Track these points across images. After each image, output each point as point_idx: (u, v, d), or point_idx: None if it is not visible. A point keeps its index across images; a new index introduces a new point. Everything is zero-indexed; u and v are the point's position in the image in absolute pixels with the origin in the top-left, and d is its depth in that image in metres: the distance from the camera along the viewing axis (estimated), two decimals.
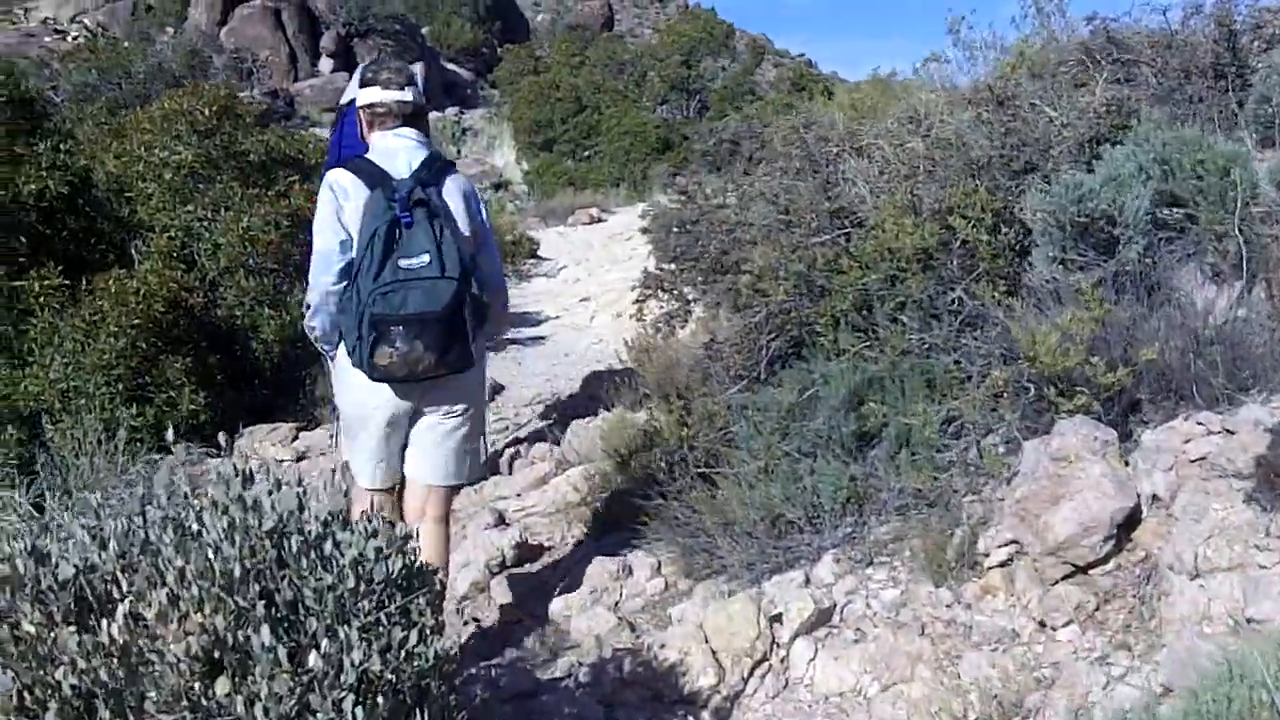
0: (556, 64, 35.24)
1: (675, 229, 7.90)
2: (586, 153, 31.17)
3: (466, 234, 4.57)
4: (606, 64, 33.55)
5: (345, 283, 4.46)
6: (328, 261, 4.50)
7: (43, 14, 44.54)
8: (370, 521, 2.99)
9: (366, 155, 4.65)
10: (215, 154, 10.05)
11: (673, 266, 7.90)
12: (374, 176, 4.47)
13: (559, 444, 7.99)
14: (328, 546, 2.78)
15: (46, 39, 40.43)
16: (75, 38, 40.10)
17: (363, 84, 4.78)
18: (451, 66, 50.75)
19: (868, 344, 5.42)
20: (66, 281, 8.74)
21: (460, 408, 4.73)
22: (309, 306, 4.65)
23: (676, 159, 29.79)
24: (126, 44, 38.78)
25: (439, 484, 4.81)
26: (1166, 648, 3.56)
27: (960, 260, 5.29)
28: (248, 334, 9.64)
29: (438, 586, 3.12)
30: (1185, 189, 5.03)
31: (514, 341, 12.01)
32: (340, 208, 4.50)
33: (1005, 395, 4.69)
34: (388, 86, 4.67)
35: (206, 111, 10.01)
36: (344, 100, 6.36)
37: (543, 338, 12.40)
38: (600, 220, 24.20)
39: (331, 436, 8.03)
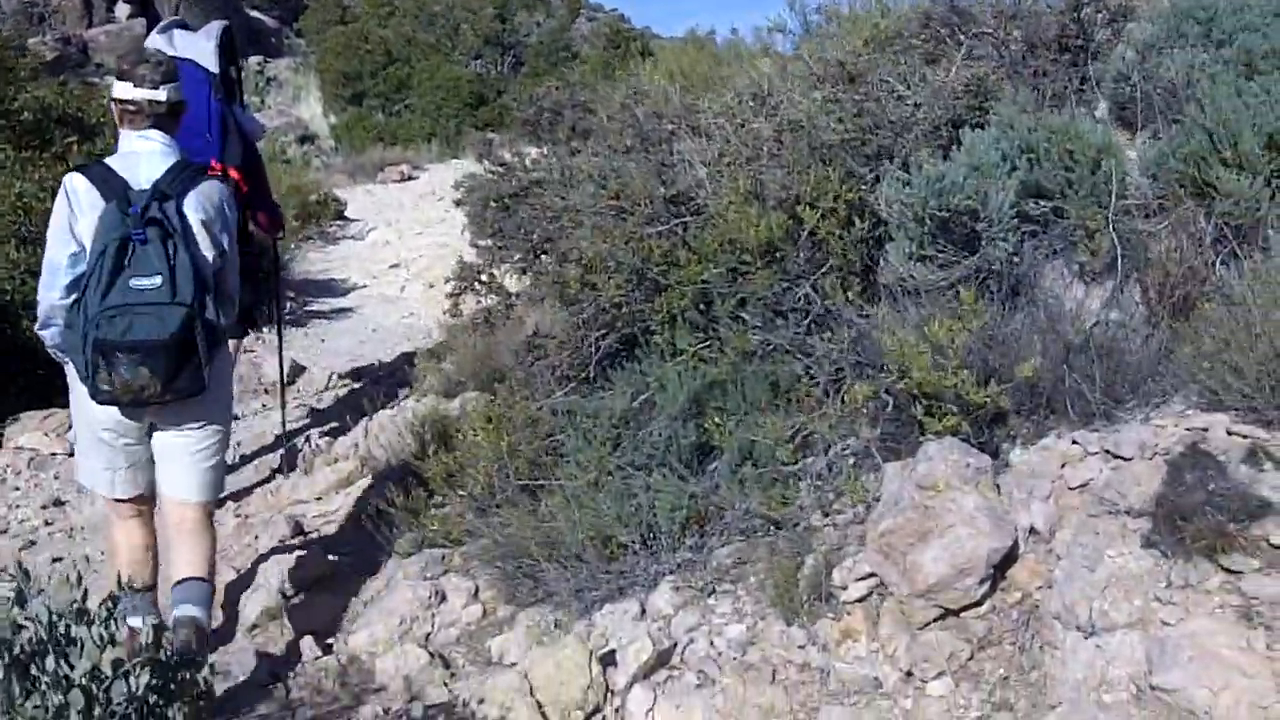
0: (365, 14, 33.96)
1: (493, 203, 7.31)
2: (397, 107, 30.18)
3: (209, 252, 4.37)
4: (417, 15, 32.45)
5: (73, 298, 4.25)
6: (55, 274, 4.30)
7: None
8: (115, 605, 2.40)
9: (110, 160, 4.39)
10: None
11: (490, 243, 7.33)
12: (111, 187, 4.22)
13: (365, 434, 7.37)
14: (50, 661, 2.15)
15: None
16: None
17: (117, 76, 4.43)
18: (255, 13, 48.80)
19: (707, 344, 4.93)
20: None
21: (196, 426, 4.51)
22: (38, 317, 4.46)
23: (490, 114, 29.04)
24: None
25: (189, 500, 4.59)
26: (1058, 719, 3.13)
27: (808, 254, 4.82)
28: (19, 310, 8.74)
29: (201, 686, 2.52)
30: (1052, 180, 4.63)
31: (318, 314, 11.24)
32: (74, 217, 4.27)
33: (864, 410, 4.22)
34: (140, 84, 4.36)
35: None
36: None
37: (349, 310, 11.61)
38: (411, 178, 23.34)
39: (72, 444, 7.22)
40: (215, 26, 6.25)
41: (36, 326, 4.49)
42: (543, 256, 6.35)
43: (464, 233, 7.79)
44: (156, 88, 4.35)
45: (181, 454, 4.51)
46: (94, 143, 9.51)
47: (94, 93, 10.30)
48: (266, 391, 8.66)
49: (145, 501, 4.66)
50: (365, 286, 12.91)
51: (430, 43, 31.31)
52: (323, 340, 10.26)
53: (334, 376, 8.87)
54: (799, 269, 4.81)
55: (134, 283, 4.09)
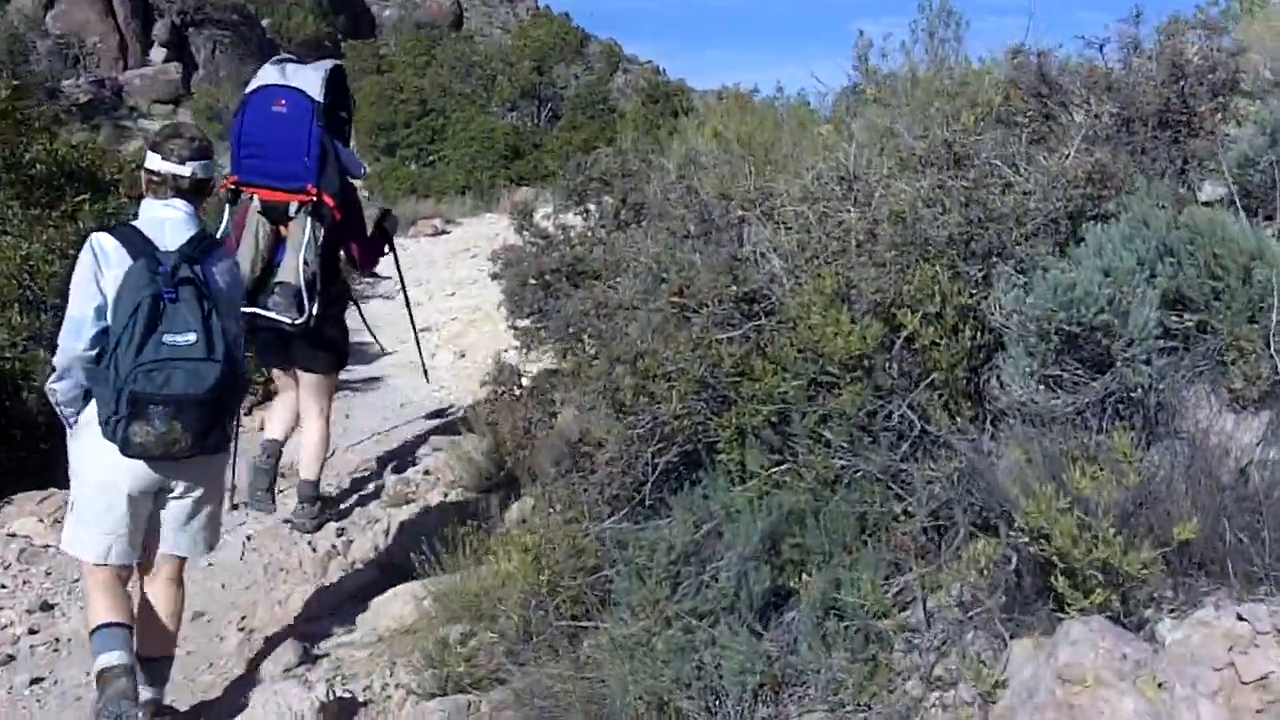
0: (401, 64, 33.66)
1: (532, 280, 6.64)
2: (431, 158, 29.74)
3: (233, 315, 4.64)
4: (454, 65, 32.12)
5: (97, 350, 4.41)
6: (80, 326, 4.44)
7: None
8: None
9: (134, 223, 4.60)
10: None
11: (529, 323, 6.66)
12: (138, 246, 4.41)
13: (387, 533, 6.71)
14: None
15: None
16: None
17: (150, 148, 4.71)
18: (291, 60, 48.73)
19: (783, 467, 4.22)
20: None
21: (207, 482, 4.72)
22: (54, 368, 4.59)
23: (526, 168, 28.57)
24: None
25: (174, 553, 4.78)
26: None
27: (904, 366, 4.13)
28: (18, 381, 8.12)
29: None
30: (1197, 289, 3.93)
31: (344, 384, 10.59)
32: (100, 272, 4.43)
33: (984, 571, 3.50)
34: (168, 158, 4.59)
35: None
36: (248, 89, 6.51)
37: (376, 380, 10.95)
38: (444, 232, 22.79)
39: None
40: (327, 63, 6.66)
41: (52, 379, 4.58)
42: (585, 342, 5.67)
43: (500, 308, 7.15)
44: (183, 163, 4.57)
45: (193, 512, 4.69)
46: (106, 200, 8.92)
47: (110, 148, 9.71)
48: (282, 475, 7.99)
49: (129, 571, 4.69)
50: (394, 352, 12.23)
51: (466, 93, 30.93)
52: (347, 415, 9.58)
53: (357, 460, 8.21)
54: (893, 383, 4.11)
55: (168, 339, 4.27)
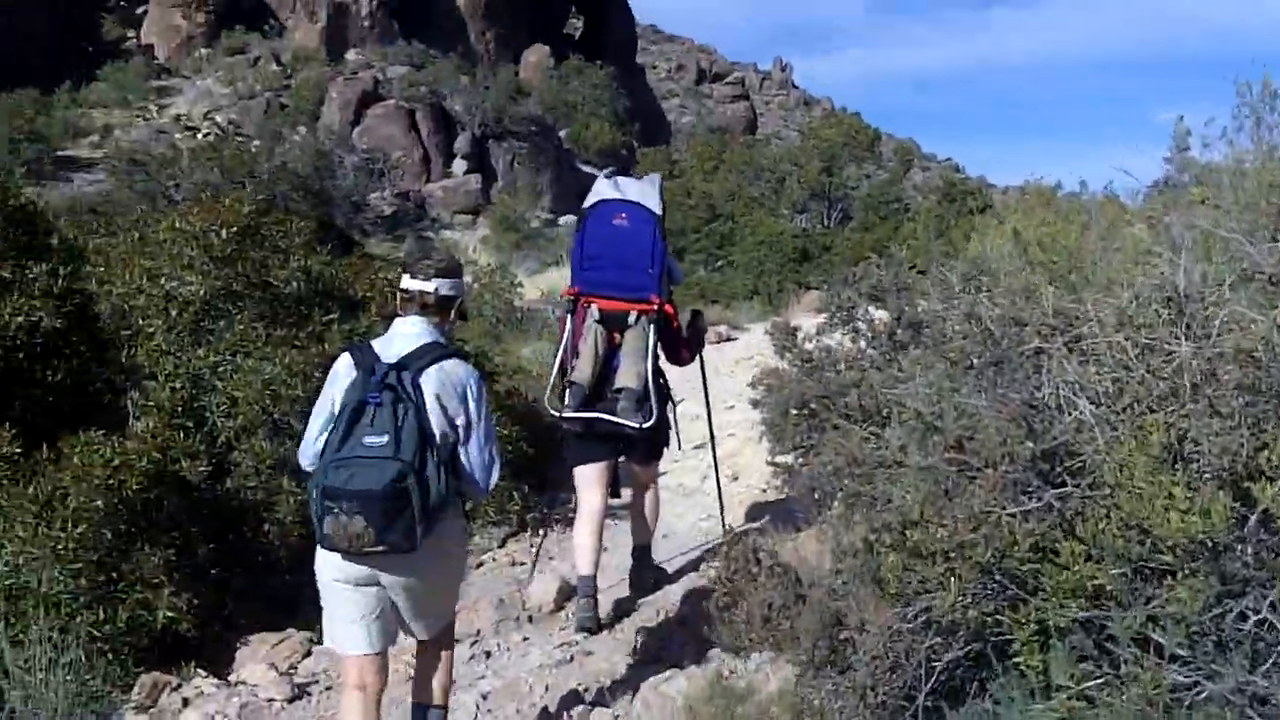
0: (691, 169, 33.52)
1: (794, 410, 5.79)
2: (719, 263, 29.31)
3: (438, 423, 4.63)
4: (743, 169, 31.75)
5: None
6: (308, 443, 4.79)
7: (177, 109, 44.32)
8: None
9: (374, 341, 4.90)
10: (236, 285, 8.21)
11: (790, 459, 5.80)
12: (364, 360, 4.70)
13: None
14: None
15: (177, 135, 40.00)
16: (205, 134, 39.58)
17: (402, 269, 5.05)
18: (587, 168, 49.61)
19: (1100, 680, 3.23)
20: (18, 449, 6.92)
21: (418, 585, 4.77)
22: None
23: (815, 270, 27.78)
24: (256, 143, 38.21)
25: (422, 639, 5.02)
26: None
27: (1262, 551, 3.11)
28: (260, 512, 7.72)
29: None
30: None
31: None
32: (334, 390, 4.75)
33: None
34: (415, 276, 4.84)
35: (224, 233, 8.18)
36: (586, 204, 6.79)
37: None
38: (729, 339, 22.09)
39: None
40: (655, 177, 6.98)
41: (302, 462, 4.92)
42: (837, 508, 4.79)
43: (761, 440, 6.34)
44: (428, 280, 4.80)
45: (409, 605, 4.81)
46: (357, 319, 8.52)
47: (364, 266, 9.37)
48: (530, 619, 7.32)
49: (371, 667, 4.82)
50: (665, 473, 11.51)
51: (755, 197, 30.43)
52: (607, 545, 8.87)
53: (609, 600, 7.41)
54: (1247, 575, 3.10)
55: (366, 440, 4.46)
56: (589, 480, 6.99)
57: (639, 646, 6.43)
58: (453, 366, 4.77)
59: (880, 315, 6.20)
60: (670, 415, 7.07)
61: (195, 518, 7.48)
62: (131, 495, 6.93)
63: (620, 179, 6.94)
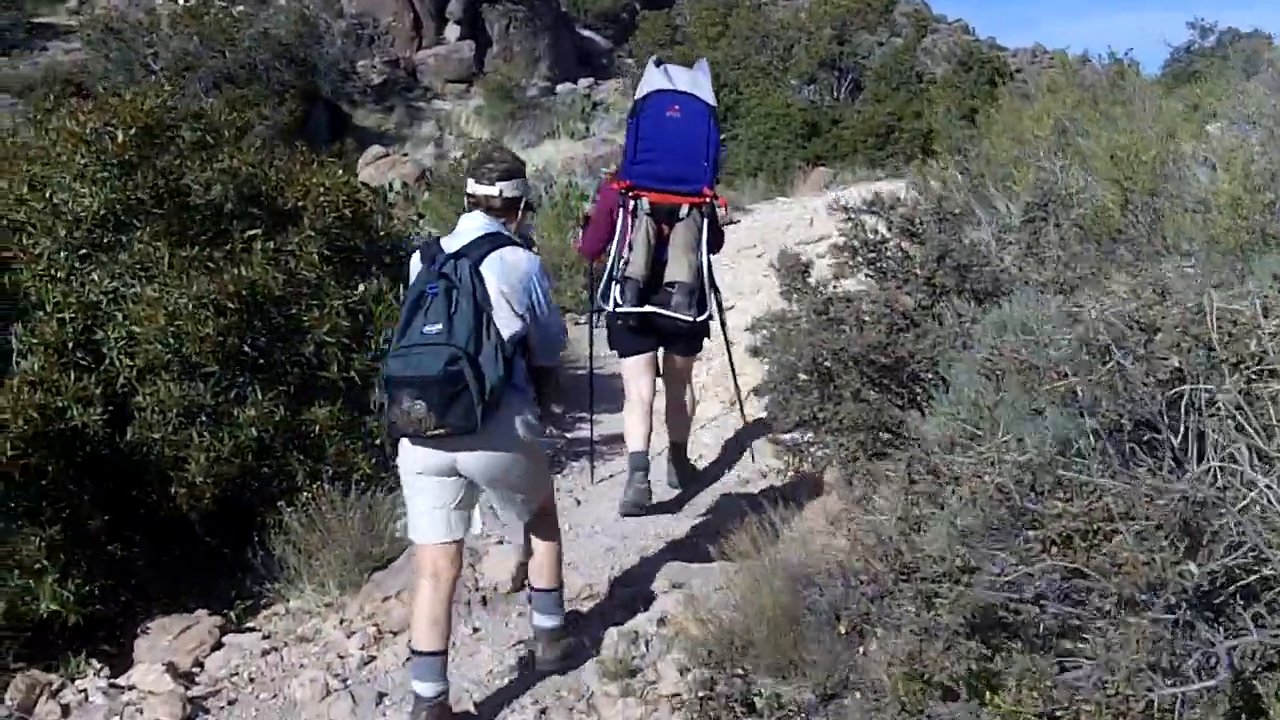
0: (695, 35, 31.71)
1: (802, 375, 4.54)
2: (723, 137, 27.73)
3: (503, 308, 4.76)
4: (748, 36, 29.94)
5: None
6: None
7: None
8: None
9: (441, 238, 5.03)
10: (139, 194, 6.84)
11: (796, 436, 4.57)
12: (429, 253, 4.87)
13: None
14: None
15: (157, 1, 38.00)
16: (187, 1, 37.58)
17: (467, 173, 5.17)
18: (587, 34, 47.58)
19: None
20: None
21: (495, 467, 4.85)
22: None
23: (823, 147, 26.29)
24: (240, 8, 36.29)
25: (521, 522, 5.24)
26: None
27: None
28: (166, 470, 6.49)
29: None
30: None
31: (579, 448, 8.70)
32: (409, 282, 4.91)
33: None
34: (479, 180, 4.98)
35: (121, 135, 6.79)
36: (639, 94, 6.82)
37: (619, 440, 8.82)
38: (731, 221, 20.66)
39: None
40: (705, 64, 7.02)
41: None
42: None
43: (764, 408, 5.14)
44: (492, 184, 4.95)
45: (496, 496, 5.04)
46: (286, 233, 7.19)
47: (303, 166, 7.97)
48: (485, 602, 6.15)
49: (444, 556, 4.90)
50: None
51: (761, 66, 28.69)
52: (578, 503, 7.67)
53: (582, 582, 6.23)
54: None
55: (424, 329, 4.62)
56: (640, 369, 7.12)
57: (608, 653, 5.24)
58: (512, 254, 4.90)
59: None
60: (715, 308, 7.08)
61: (87, 480, 6.28)
62: (5, 463, 5.72)
63: (671, 68, 6.97)
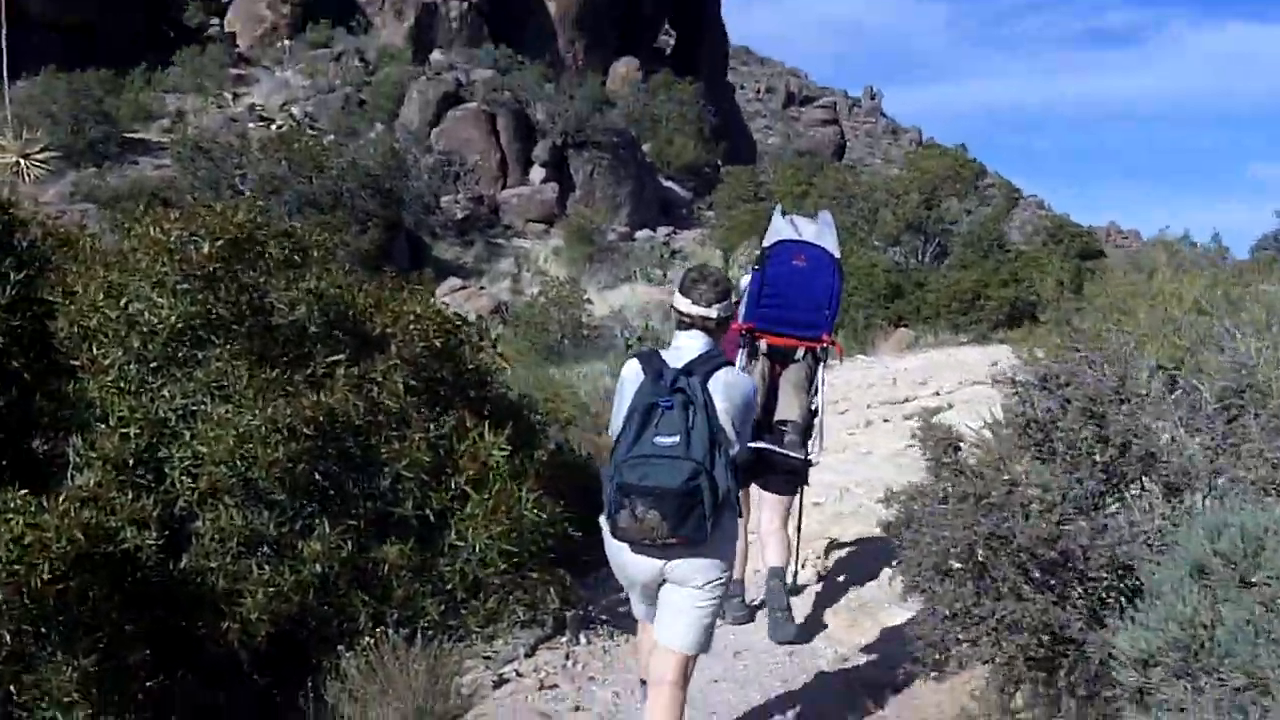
0: (779, 192, 31.58)
1: (954, 560, 3.98)
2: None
3: (726, 424, 4.84)
4: (835, 196, 29.74)
5: None
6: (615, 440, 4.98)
7: (253, 99, 42.87)
8: None
9: (661, 350, 5.14)
10: (219, 310, 6.43)
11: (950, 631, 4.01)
12: (653, 366, 4.94)
13: None
14: None
15: (250, 125, 38.56)
16: (279, 126, 38.02)
17: (680, 290, 5.17)
18: (669, 184, 47.80)
19: None
20: None
21: (699, 581, 4.92)
22: None
23: (906, 308, 25.86)
24: (330, 137, 36.68)
25: (675, 650, 5.01)
26: None
27: None
28: (221, 603, 5.98)
29: None
30: None
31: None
32: (623, 397, 4.98)
33: None
34: (697, 302, 5.03)
35: (207, 246, 6.40)
36: (768, 241, 7.06)
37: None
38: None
39: None
40: (828, 216, 7.22)
41: None
42: None
43: (895, 581, 4.58)
44: (709, 306, 5.05)
45: (680, 605, 4.97)
46: (373, 361, 6.75)
47: (394, 290, 7.55)
48: None
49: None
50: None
51: (846, 226, 28.42)
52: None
53: None
54: None
55: (657, 440, 4.70)
56: (752, 502, 7.33)
57: None
58: (733, 374, 5.07)
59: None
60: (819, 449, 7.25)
61: (132, 609, 5.75)
62: (43, 585, 5.23)
63: (796, 218, 7.24)
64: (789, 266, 6.95)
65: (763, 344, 7.02)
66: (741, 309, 7.05)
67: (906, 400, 17.56)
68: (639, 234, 40.74)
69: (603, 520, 4.89)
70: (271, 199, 27.11)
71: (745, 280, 7.34)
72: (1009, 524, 3.84)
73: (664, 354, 5.05)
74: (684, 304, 5.09)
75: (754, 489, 7.26)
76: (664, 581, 4.98)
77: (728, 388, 4.93)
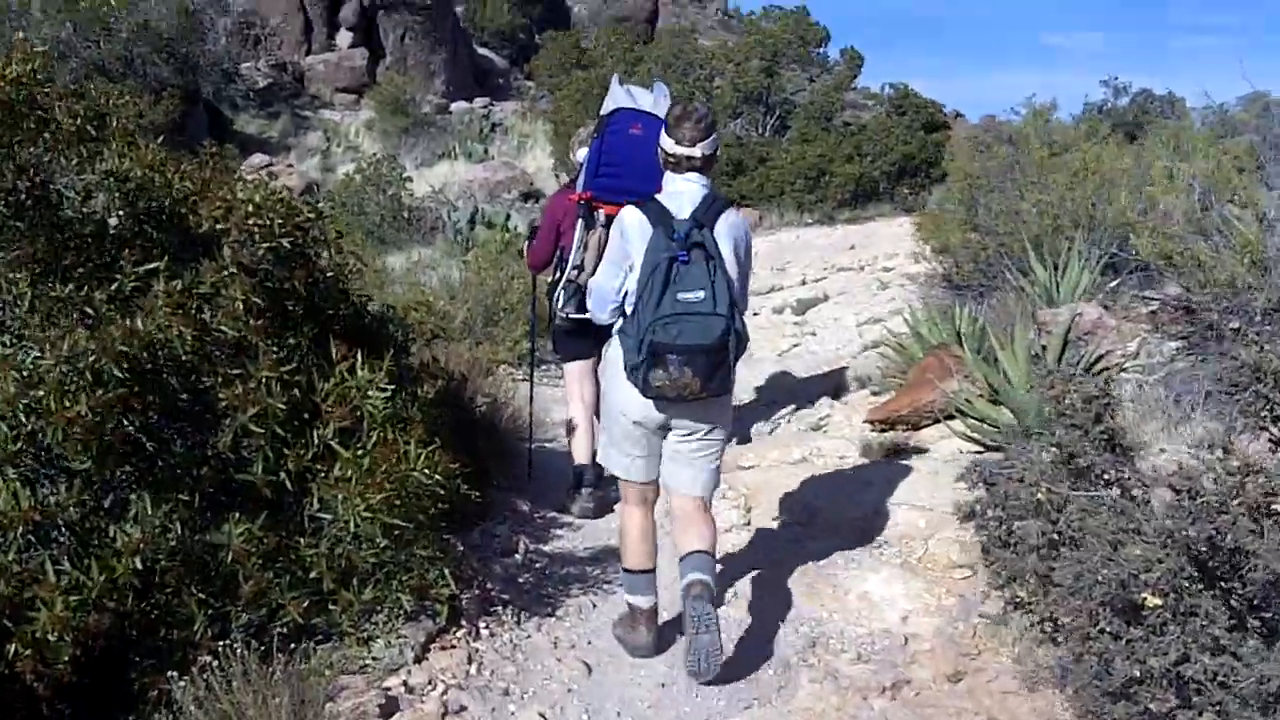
0: (610, 58, 29.70)
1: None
2: None
3: (733, 270, 5.00)
4: (670, 63, 28.03)
5: (619, 312, 5.16)
6: (604, 302, 5.20)
7: None
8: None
9: (657, 195, 5.12)
10: None
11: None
12: (659, 216, 4.97)
13: None
14: None
15: None
16: None
17: (664, 130, 5.14)
18: (484, 52, 45.42)
19: None
20: None
21: (707, 429, 5.20)
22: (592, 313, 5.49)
23: (749, 185, 24.53)
24: None
25: (695, 495, 5.27)
26: None
27: None
28: (3, 618, 4.27)
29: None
30: None
31: (565, 570, 6.66)
32: (627, 247, 5.03)
33: None
34: (681, 142, 5.05)
35: None
36: (605, 110, 7.05)
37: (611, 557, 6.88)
38: None
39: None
40: (663, 87, 7.22)
41: (593, 317, 5.41)
42: None
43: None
44: (694, 144, 5.05)
45: (691, 456, 5.23)
46: (198, 268, 5.01)
47: (223, 173, 5.75)
48: None
49: (652, 490, 5.38)
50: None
51: (683, 97, 26.84)
52: (590, 670, 5.58)
53: None
54: None
55: (681, 296, 4.81)
56: (583, 374, 7.68)
57: None
58: (734, 215, 5.16)
59: None
60: None
61: None
62: None
63: (634, 88, 7.24)
64: (626, 135, 6.94)
65: (601, 214, 7.01)
66: (580, 178, 7.14)
67: (772, 290, 16.29)
68: (455, 106, 38.48)
69: (616, 368, 5.09)
70: (56, 66, 24.36)
71: (583, 153, 7.31)
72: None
73: (663, 200, 5.06)
74: (669, 144, 5.11)
75: (582, 363, 7.63)
76: (669, 431, 5.21)
77: (731, 231, 5.05)
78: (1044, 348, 7.49)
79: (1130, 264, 9.58)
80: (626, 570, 5.35)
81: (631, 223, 5.03)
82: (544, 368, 10.56)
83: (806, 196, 24.24)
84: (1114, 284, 9.44)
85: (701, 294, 4.79)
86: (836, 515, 6.86)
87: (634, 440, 5.24)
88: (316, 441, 4.96)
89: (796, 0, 29.04)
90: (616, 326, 5.17)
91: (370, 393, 5.02)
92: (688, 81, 27.12)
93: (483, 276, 12.21)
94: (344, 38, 38.88)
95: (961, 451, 7.62)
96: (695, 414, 5.12)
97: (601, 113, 7.09)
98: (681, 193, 5.05)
